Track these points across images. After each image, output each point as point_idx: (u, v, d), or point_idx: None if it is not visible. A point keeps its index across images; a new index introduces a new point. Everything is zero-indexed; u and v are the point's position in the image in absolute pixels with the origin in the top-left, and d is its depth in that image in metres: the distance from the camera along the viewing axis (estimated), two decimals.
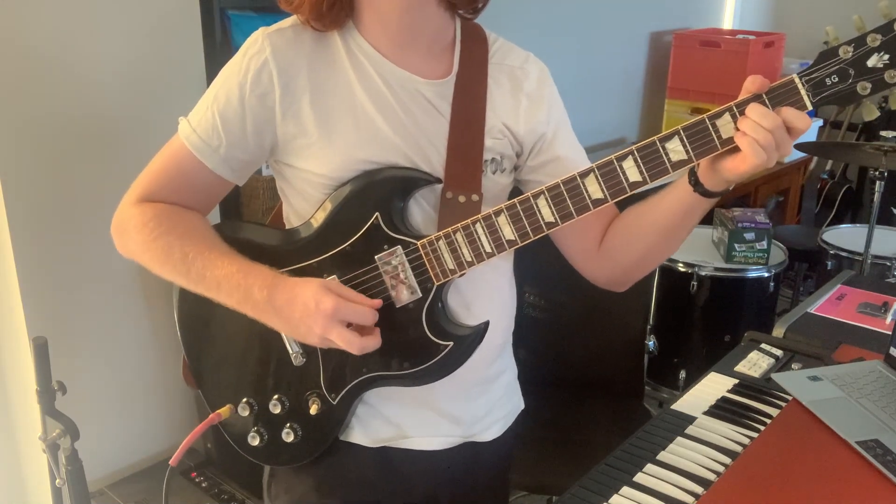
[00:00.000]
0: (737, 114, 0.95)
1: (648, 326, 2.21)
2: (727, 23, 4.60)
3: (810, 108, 0.95)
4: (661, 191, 1.09)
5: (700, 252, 2.75)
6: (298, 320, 1.01)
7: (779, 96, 0.94)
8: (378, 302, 1.05)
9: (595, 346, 2.21)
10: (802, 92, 0.94)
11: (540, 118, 1.16)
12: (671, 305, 2.70)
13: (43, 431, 1.60)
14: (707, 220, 3.15)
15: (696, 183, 1.03)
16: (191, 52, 2.24)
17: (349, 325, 1.02)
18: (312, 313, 1.00)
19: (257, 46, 1.07)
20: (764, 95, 0.94)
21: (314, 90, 1.07)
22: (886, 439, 1.17)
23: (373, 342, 1.03)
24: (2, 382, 2.26)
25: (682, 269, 2.65)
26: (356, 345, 1.01)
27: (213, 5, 2.20)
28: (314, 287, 1.01)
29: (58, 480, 1.62)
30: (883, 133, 2.89)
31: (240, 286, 1.04)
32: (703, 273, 2.62)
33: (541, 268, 2.28)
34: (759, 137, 0.93)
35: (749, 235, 2.65)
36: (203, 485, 2.50)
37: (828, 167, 4.39)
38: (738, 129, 0.95)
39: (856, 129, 4.37)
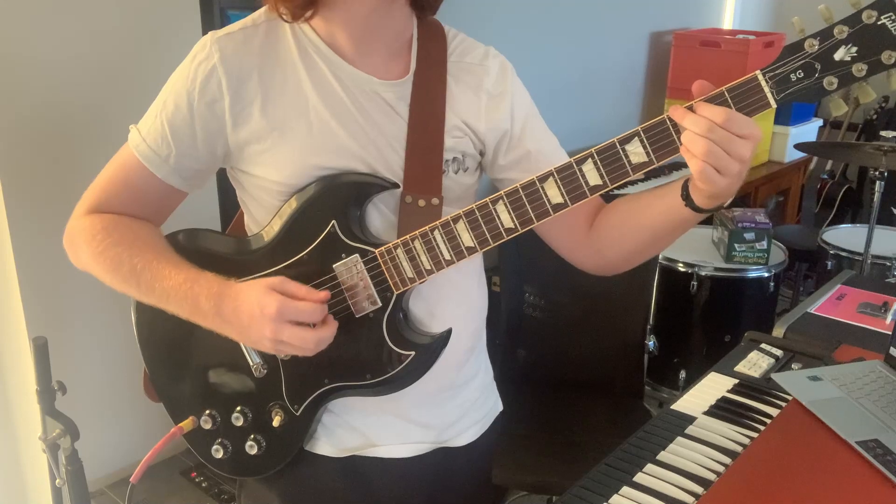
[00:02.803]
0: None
1: (648, 326, 2.21)
2: (727, 23, 4.60)
3: (774, 105, 0.90)
4: (655, 192, 1.06)
5: (700, 252, 2.75)
6: (248, 327, 0.99)
7: (742, 94, 0.90)
8: (326, 294, 1.02)
9: (595, 346, 2.21)
10: (766, 89, 0.89)
11: (502, 115, 1.12)
12: (671, 305, 2.70)
13: (43, 431, 1.60)
14: (707, 220, 3.15)
15: (686, 197, 0.99)
16: None
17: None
18: (258, 318, 0.97)
19: (205, 52, 1.04)
20: (726, 93, 0.90)
21: (265, 95, 1.04)
22: (886, 439, 1.17)
23: (327, 333, 1.00)
24: (2, 382, 2.27)
25: (682, 269, 2.65)
26: (310, 340, 0.98)
27: (213, 5, 2.20)
28: (257, 291, 0.99)
29: (58, 480, 1.62)
30: (883, 133, 2.89)
31: (187, 297, 1.02)
32: (703, 273, 2.62)
33: (541, 268, 2.28)
34: (697, 151, 0.89)
35: (749, 235, 2.65)
36: (203, 485, 2.50)
37: (828, 167, 4.39)
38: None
39: (856, 129, 4.37)
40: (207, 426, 1.16)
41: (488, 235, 1.02)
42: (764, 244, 2.65)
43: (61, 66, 2.11)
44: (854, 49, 0.87)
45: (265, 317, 0.97)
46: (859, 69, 0.87)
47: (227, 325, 1.01)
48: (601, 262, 1.17)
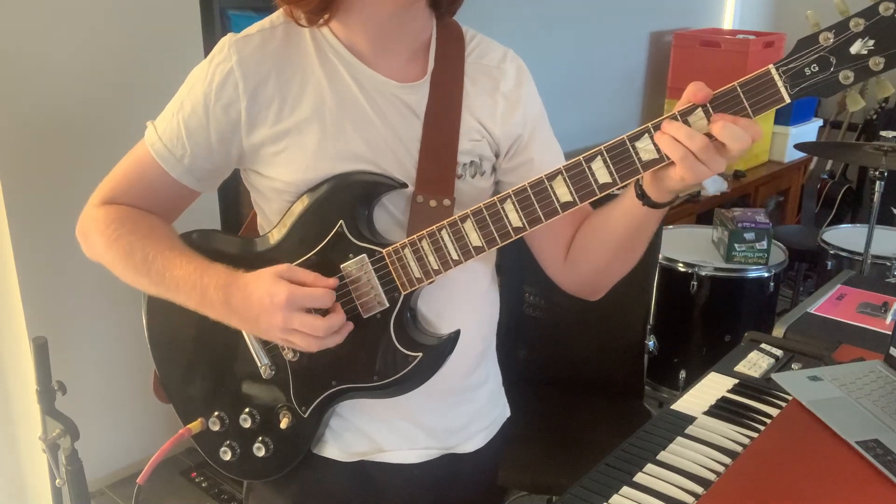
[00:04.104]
0: (710, 111, 0.90)
1: (648, 326, 2.21)
2: (727, 23, 4.60)
3: (788, 100, 0.88)
4: (611, 201, 1.05)
5: (700, 252, 2.75)
6: (257, 317, 0.99)
7: (754, 88, 0.88)
8: (334, 281, 1.02)
9: (595, 346, 2.21)
10: (779, 83, 0.87)
11: (516, 120, 1.12)
12: (671, 305, 2.70)
13: (43, 431, 1.60)
14: (707, 220, 3.17)
15: (641, 195, 0.99)
16: (191, 53, 2.25)
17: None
18: (269, 308, 0.98)
19: (223, 54, 1.04)
20: (738, 88, 0.88)
21: (283, 98, 1.04)
22: (886, 439, 1.17)
23: (336, 320, 1.00)
24: (2, 382, 2.27)
25: (682, 269, 2.65)
26: (320, 328, 0.98)
27: (213, 5, 2.20)
28: (266, 280, 0.99)
29: (58, 480, 1.62)
30: (883, 133, 2.89)
31: (196, 287, 1.02)
32: (703, 273, 2.62)
33: (541, 268, 2.28)
34: (677, 155, 0.90)
35: (749, 235, 2.65)
36: (203, 485, 2.50)
37: (828, 167, 4.39)
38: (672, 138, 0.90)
39: (856, 129, 4.37)
40: (216, 428, 1.16)
41: (496, 234, 1.01)
42: (764, 244, 2.65)
43: (61, 66, 2.11)
44: (871, 42, 0.85)
45: (275, 305, 0.97)
46: (876, 63, 0.85)
47: (236, 315, 1.02)
48: (577, 279, 1.17)
